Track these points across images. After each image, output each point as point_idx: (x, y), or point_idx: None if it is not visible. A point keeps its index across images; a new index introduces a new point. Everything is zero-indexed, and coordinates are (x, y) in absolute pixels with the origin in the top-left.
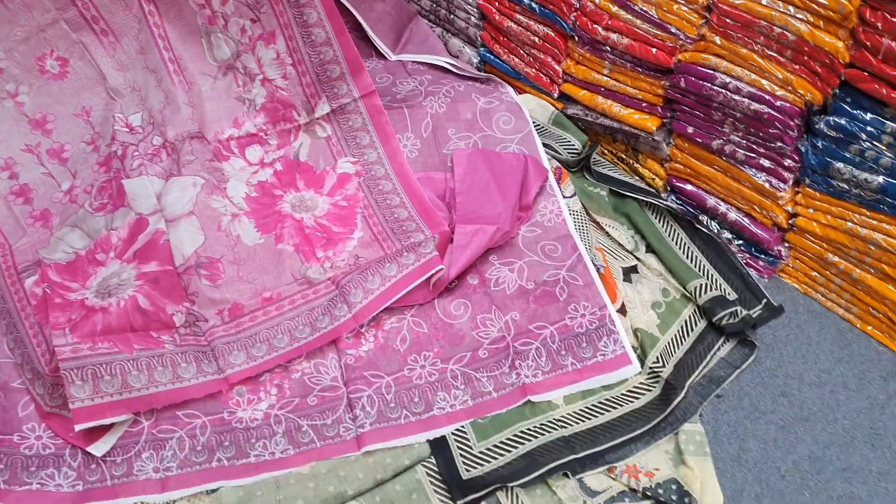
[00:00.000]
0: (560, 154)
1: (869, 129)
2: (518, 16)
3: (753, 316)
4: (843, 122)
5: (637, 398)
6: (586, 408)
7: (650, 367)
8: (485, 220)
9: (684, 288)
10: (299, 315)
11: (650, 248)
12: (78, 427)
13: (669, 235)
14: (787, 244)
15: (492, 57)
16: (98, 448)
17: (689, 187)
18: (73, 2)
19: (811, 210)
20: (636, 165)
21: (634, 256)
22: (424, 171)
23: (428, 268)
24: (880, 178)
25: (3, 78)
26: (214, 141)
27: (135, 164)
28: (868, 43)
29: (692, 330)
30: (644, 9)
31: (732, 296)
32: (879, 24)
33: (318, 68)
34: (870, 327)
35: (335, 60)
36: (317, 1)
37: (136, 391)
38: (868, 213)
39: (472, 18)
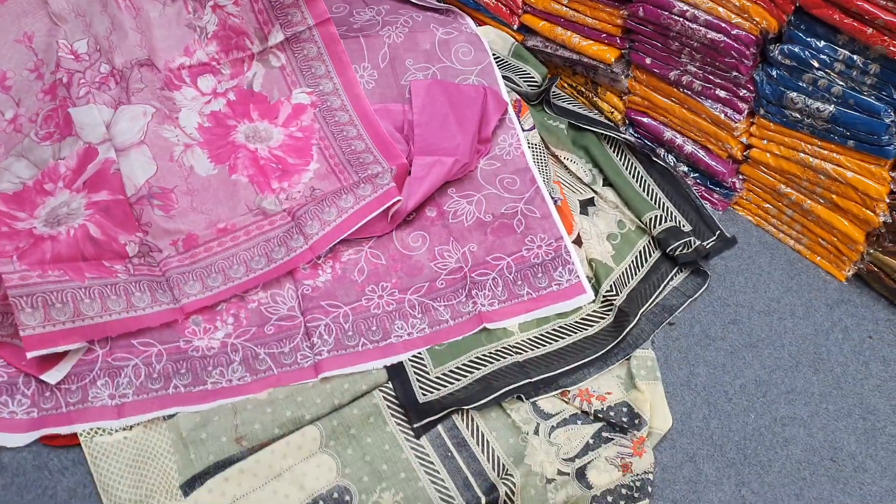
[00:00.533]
0: (520, 86)
1: (822, 56)
2: None
3: (707, 247)
4: (796, 49)
5: (590, 325)
6: (541, 335)
7: (604, 296)
8: (443, 152)
9: (639, 220)
10: (255, 246)
11: (607, 182)
12: (30, 354)
13: (627, 168)
14: (741, 176)
15: None
16: (51, 376)
17: (646, 120)
18: None
19: (765, 141)
20: (595, 99)
21: (591, 189)
22: (382, 102)
23: (385, 199)
24: (831, 107)
25: None
26: (165, 69)
27: (81, 93)
28: None
29: (646, 260)
30: None
31: (687, 227)
32: None
33: None
34: (818, 258)
35: None
36: None
37: (88, 319)
38: (819, 143)
39: None
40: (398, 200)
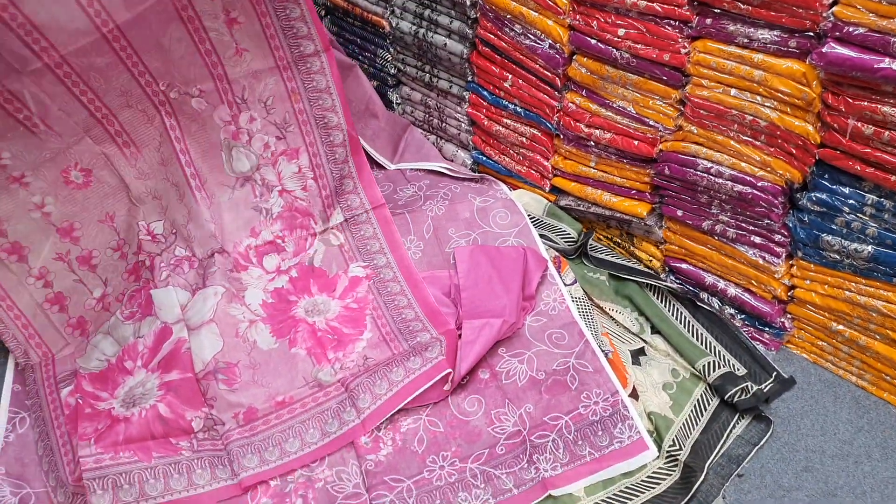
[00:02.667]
0: (557, 243)
1: (850, 202)
2: (505, 120)
3: (765, 390)
4: (824, 196)
5: (658, 483)
6: (608, 498)
7: (667, 451)
8: (491, 314)
9: (693, 367)
10: (310, 419)
11: (655, 329)
12: None
13: (673, 315)
14: (789, 315)
15: (484, 158)
16: None
17: (685, 266)
18: (98, 120)
19: (808, 281)
20: (632, 248)
21: (641, 339)
22: (429, 269)
23: (434, 373)
24: (869, 248)
25: (29, 191)
26: (234, 252)
27: (163, 276)
28: (835, 125)
29: (706, 409)
30: (622, 105)
31: (742, 371)
32: (842, 107)
33: (336, 182)
34: (885, 393)
35: (349, 175)
36: (343, 125)
37: (151, 499)
38: (864, 281)
39: (463, 125)
40: (448, 373)
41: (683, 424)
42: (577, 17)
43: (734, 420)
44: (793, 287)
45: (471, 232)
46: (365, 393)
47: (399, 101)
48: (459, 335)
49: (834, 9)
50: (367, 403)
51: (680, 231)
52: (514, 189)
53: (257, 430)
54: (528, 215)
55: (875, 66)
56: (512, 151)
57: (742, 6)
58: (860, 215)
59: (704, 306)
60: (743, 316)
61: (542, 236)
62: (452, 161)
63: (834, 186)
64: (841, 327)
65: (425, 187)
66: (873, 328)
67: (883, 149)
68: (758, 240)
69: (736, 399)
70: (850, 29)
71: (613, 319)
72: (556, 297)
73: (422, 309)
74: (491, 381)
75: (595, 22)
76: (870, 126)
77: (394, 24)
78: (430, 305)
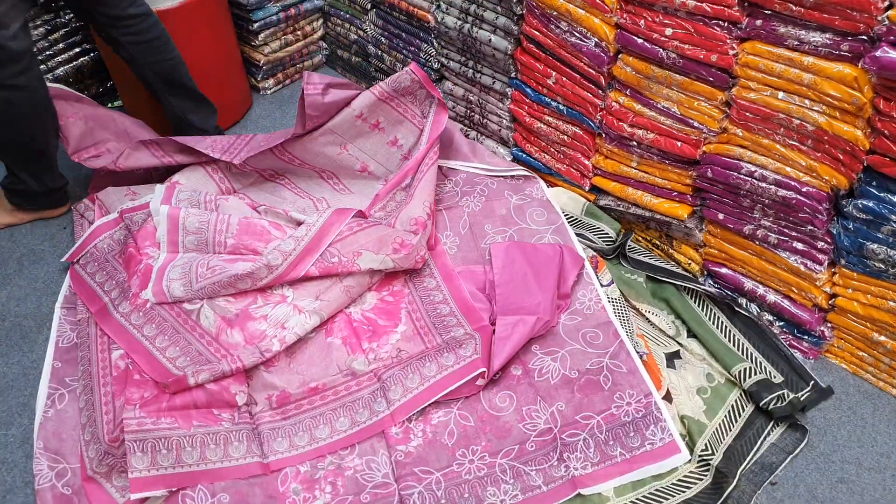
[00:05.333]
0: (595, 243)
1: None
2: (547, 117)
3: (802, 399)
4: (871, 204)
5: (688, 488)
6: (637, 499)
7: (699, 455)
8: (525, 311)
9: (728, 372)
10: (341, 406)
11: (691, 333)
12: (134, 496)
13: (710, 319)
14: (829, 324)
15: (524, 155)
16: None
17: (725, 271)
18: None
19: (850, 290)
20: (671, 251)
21: (676, 342)
22: (465, 265)
23: (467, 371)
24: None
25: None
26: None
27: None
28: (886, 131)
29: (740, 415)
30: (666, 106)
31: (778, 378)
32: (894, 113)
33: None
34: None
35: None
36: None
37: (187, 467)
38: None
39: (504, 121)
40: (482, 371)
41: (717, 429)
42: (625, 15)
43: (769, 427)
44: (834, 295)
45: (507, 228)
46: (397, 385)
47: (441, 95)
48: (493, 331)
49: (889, 13)
50: (398, 395)
51: (720, 235)
52: (553, 186)
53: (289, 414)
54: (566, 214)
55: None
56: (552, 149)
57: (794, 7)
58: None
59: (742, 312)
60: (781, 323)
61: (579, 235)
62: (494, 154)
63: (882, 194)
64: (883, 338)
65: (462, 182)
66: None
67: None
68: (800, 246)
69: (771, 406)
70: None
71: (649, 321)
72: (591, 296)
73: (457, 304)
74: (523, 377)
75: (642, 21)
76: None
77: (439, 19)
78: (466, 301)
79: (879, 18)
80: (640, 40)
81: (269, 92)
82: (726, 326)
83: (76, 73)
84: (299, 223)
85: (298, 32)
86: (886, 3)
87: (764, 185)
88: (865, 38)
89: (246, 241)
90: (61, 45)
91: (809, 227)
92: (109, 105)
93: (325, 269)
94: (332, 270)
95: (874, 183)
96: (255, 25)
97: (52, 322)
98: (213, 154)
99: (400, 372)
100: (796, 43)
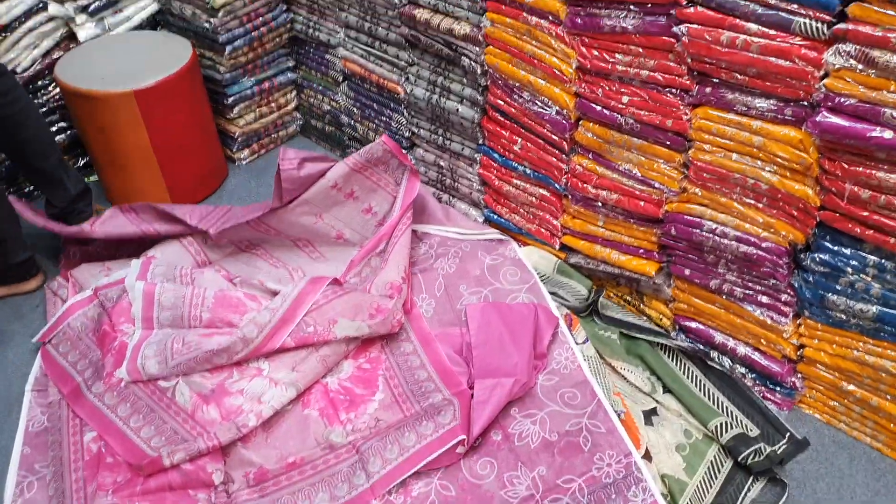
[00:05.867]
0: (568, 301)
1: (853, 262)
2: (515, 181)
3: (779, 452)
4: (827, 257)
5: None
6: None
7: None
8: (502, 373)
9: (705, 427)
10: (320, 481)
11: (667, 389)
12: None
13: (684, 374)
14: (800, 375)
15: (495, 217)
16: None
17: (695, 325)
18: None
19: (816, 341)
20: (642, 307)
21: (653, 398)
22: (441, 327)
23: (447, 439)
24: (874, 308)
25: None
26: None
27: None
28: (833, 189)
29: (719, 471)
30: (628, 168)
31: (755, 432)
32: (839, 173)
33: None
34: None
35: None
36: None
37: None
38: (872, 342)
39: (475, 185)
40: (461, 438)
41: (698, 487)
42: (583, 84)
43: (749, 483)
44: (801, 346)
45: (482, 289)
46: (375, 457)
47: (413, 162)
48: (472, 395)
49: (825, 81)
50: (377, 468)
51: (688, 290)
52: (525, 246)
53: (267, 492)
54: (539, 273)
55: (867, 135)
56: (522, 210)
57: (739, 77)
58: (863, 276)
59: (715, 365)
60: (753, 375)
61: (552, 293)
62: (465, 216)
63: (836, 248)
64: (852, 387)
65: (436, 245)
66: (884, 388)
67: (880, 212)
68: (765, 299)
69: (750, 461)
70: (842, 99)
71: (625, 379)
72: (567, 355)
73: (435, 369)
74: (503, 442)
75: (600, 90)
76: (866, 190)
77: (409, 91)
78: (443, 365)
79: (817, 86)
80: (598, 108)
81: (244, 162)
82: (701, 381)
83: None
84: (275, 293)
85: (273, 104)
86: (822, 73)
87: (725, 241)
88: (806, 103)
89: (221, 314)
90: None
91: (772, 281)
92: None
93: (300, 340)
94: (308, 340)
95: (828, 237)
96: (230, 100)
97: (23, 406)
98: (191, 221)
99: (378, 443)
100: (744, 108)
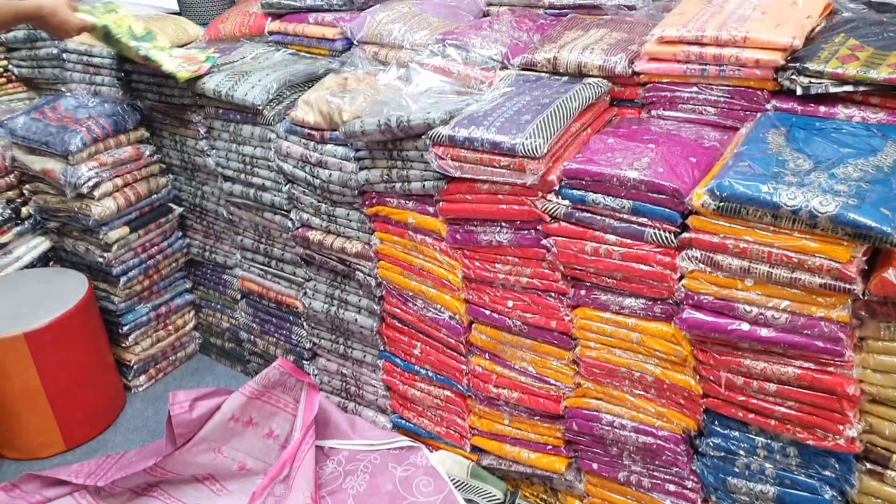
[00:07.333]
0: None
1: (744, 444)
2: (419, 384)
3: None
4: (720, 441)
5: None
6: None
7: None
8: None
9: None
10: None
11: None
12: None
13: None
14: None
15: (403, 422)
16: None
17: None
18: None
19: None
20: None
21: None
22: None
23: None
24: (772, 488)
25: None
26: None
27: None
28: (710, 377)
29: None
30: (523, 366)
31: None
32: (712, 362)
33: None
34: None
35: None
36: None
37: None
38: None
39: (380, 391)
40: None
41: None
42: (471, 292)
43: None
44: None
45: None
46: None
47: (316, 372)
48: None
49: (683, 282)
50: None
51: (599, 483)
52: (436, 450)
53: None
54: (452, 479)
55: (728, 328)
56: (430, 413)
57: (608, 280)
58: (755, 457)
59: None
60: None
61: (468, 501)
62: (373, 423)
63: (726, 431)
64: None
65: (344, 461)
66: None
67: (756, 396)
68: (672, 487)
69: None
70: (701, 297)
71: None
72: None
73: None
74: None
75: (486, 296)
76: (739, 377)
77: (307, 304)
78: None
79: (676, 287)
80: (487, 312)
81: (140, 389)
82: None
83: None
84: None
85: (170, 327)
86: (679, 274)
87: (625, 433)
88: (671, 301)
89: None
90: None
91: (675, 469)
92: None
93: None
94: None
95: (716, 422)
96: (125, 328)
97: None
98: (77, 480)
99: None
100: (618, 308)
